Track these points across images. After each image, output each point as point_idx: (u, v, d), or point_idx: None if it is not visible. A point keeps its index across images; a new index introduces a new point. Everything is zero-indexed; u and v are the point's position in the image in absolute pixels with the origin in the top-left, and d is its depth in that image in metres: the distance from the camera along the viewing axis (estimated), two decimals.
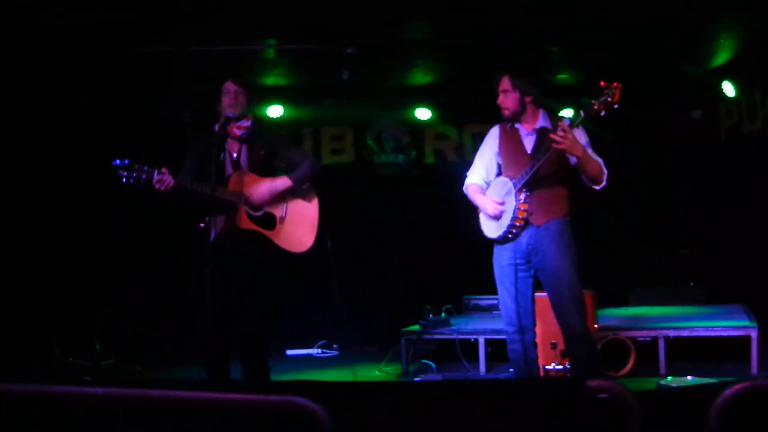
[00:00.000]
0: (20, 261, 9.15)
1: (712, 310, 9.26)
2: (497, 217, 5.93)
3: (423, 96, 10.99)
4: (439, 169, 11.50)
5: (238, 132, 6.23)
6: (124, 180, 5.87)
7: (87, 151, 9.59)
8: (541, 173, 5.75)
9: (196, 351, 6.18)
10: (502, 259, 5.99)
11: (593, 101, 5.38)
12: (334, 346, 10.48)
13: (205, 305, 5.77)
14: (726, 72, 9.90)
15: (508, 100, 5.91)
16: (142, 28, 8.07)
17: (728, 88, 9.92)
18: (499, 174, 6.10)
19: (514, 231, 5.84)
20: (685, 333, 8.02)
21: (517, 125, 6.01)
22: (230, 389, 3.15)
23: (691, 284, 10.39)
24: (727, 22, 8.59)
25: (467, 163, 11.41)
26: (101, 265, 9.77)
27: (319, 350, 10.37)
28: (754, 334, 7.66)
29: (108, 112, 9.82)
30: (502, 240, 5.94)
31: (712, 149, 10.61)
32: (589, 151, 5.75)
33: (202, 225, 5.90)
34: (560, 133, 5.48)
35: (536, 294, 6.02)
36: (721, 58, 9.74)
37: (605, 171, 5.77)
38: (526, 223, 5.82)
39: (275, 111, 10.63)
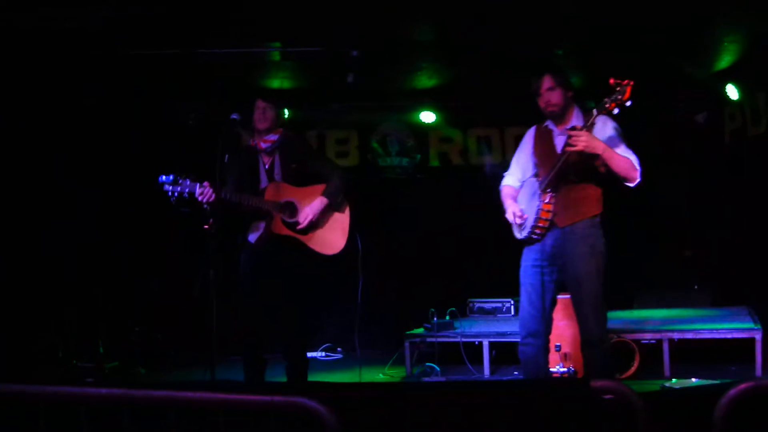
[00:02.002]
0: (24, 263, 9.17)
1: (716, 312, 9.27)
2: (519, 224, 5.91)
3: (428, 99, 10.99)
4: (443, 173, 11.50)
5: (263, 145, 6.72)
6: (170, 194, 6.32)
7: (92, 154, 9.62)
8: (567, 173, 5.71)
9: (201, 353, 6.30)
10: (527, 260, 5.94)
11: (606, 99, 5.34)
12: (338, 349, 10.48)
13: (239, 305, 6.61)
14: (730, 75, 9.90)
15: (554, 96, 5.86)
16: (147, 31, 8.09)
17: (732, 92, 9.92)
18: (535, 175, 6.04)
19: (537, 232, 5.78)
20: (689, 335, 8.03)
21: (551, 126, 6.00)
22: (234, 390, 3.15)
23: (696, 287, 10.38)
24: (731, 26, 8.60)
25: (472, 167, 11.55)
26: (105, 268, 9.78)
27: (324, 353, 10.37)
28: (758, 336, 7.66)
29: (113, 114, 9.83)
30: (528, 241, 5.90)
31: (716, 152, 10.61)
32: (620, 148, 5.69)
33: (206, 227, 6.05)
34: (571, 134, 5.47)
35: (560, 297, 6.00)
36: (725, 61, 9.73)
37: (637, 167, 5.66)
38: (552, 224, 5.76)
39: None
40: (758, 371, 7.55)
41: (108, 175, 9.79)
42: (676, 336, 8.00)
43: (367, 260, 9.81)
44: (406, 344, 8.72)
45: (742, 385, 2.82)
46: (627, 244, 10.45)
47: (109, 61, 8.70)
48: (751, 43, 9.12)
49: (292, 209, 6.64)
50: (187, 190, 6.28)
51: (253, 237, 6.71)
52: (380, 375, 8.73)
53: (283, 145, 6.77)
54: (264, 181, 6.72)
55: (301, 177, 6.78)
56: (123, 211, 9.88)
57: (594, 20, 8.25)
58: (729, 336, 7.91)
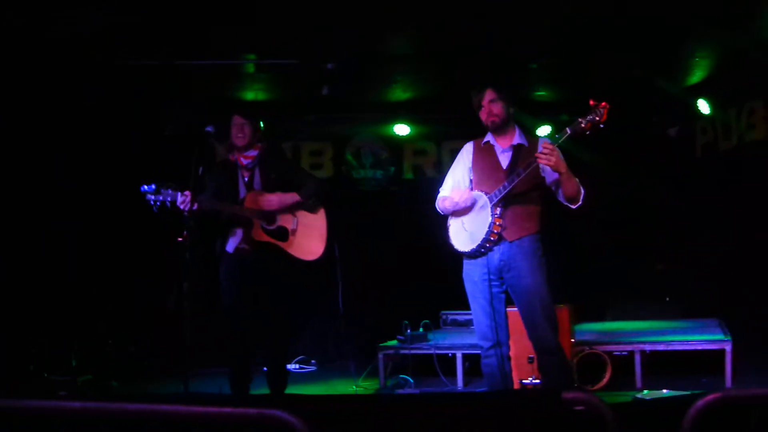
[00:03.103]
0: None
1: (687, 324, 9.31)
2: (468, 208, 5.99)
3: (402, 112, 11.02)
4: (417, 185, 11.52)
5: (244, 161, 6.91)
6: (152, 203, 6.41)
7: (67, 163, 9.57)
8: (517, 190, 5.80)
9: (175, 366, 6.33)
10: (474, 274, 6.02)
11: (580, 119, 5.42)
12: (312, 361, 10.47)
13: (225, 313, 6.75)
14: (701, 90, 9.99)
15: (496, 107, 5.97)
16: (125, 41, 8.08)
17: (703, 106, 10.00)
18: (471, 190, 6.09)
19: (487, 245, 5.87)
20: (661, 347, 8.07)
21: (492, 142, 6.08)
22: (209, 403, 3.16)
23: (668, 299, 10.44)
24: (703, 41, 8.67)
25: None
26: (78, 280, 9.72)
27: (297, 366, 10.35)
28: (728, 347, 7.72)
29: (90, 124, 9.79)
30: (474, 254, 5.97)
31: (688, 166, 10.69)
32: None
33: (180, 239, 6.07)
34: (547, 149, 5.52)
35: (508, 309, 6.06)
36: (697, 76, 9.82)
37: (582, 190, 5.82)
38: (500, 238, 5.85)
39: None
40: (728, 382, 7.61)
41: (81, 186, 9.73)
42: (647, 348, 8.05)
43: (342, 271, 9.86)
44: (380, 356, 8.72)
45: (710, 396, 2.86)
46: (600, 257, 10.56)
47: (86, 71, 8.67)
48: (722, 59, 9.21)
49: (270, 216, 6.77)
50: (169, 198, 6.37)
51: (231, 246, 6.81)
52: (354, 387, 8.72)
53: (262, 159, 6.93)
54: (243, 192, 6.87)
55: (281, 188, 6.90)
56: (96, 223, 9.82)
57: (568, 35, 8.30)
58: (700, 347, 7.97)
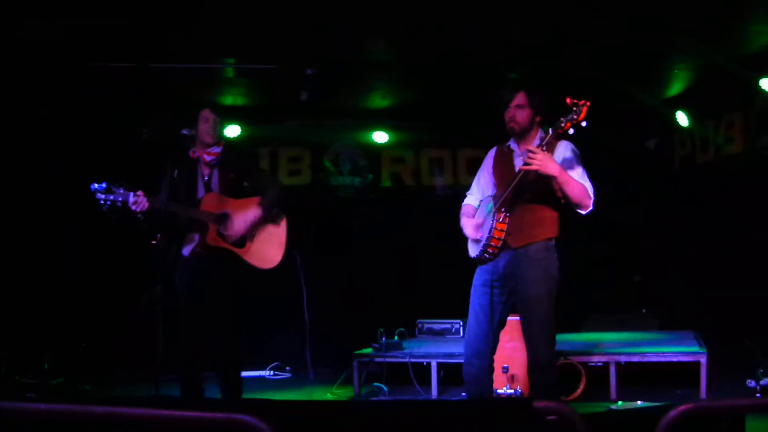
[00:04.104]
0: None
1: (663, 336, 9.34)
2: (476, 240, 5.89)
3: (381, 119, 11.02)
4: (395, 193, 11.52)
5: (208, 158, 6.66)
6: (102, 202, 6.12)
7: (40, 165, 9.51)
8: (523, 194, 5.69)
9: (147, 370, 6.23)
10: (478, 279, 5.90)
11: (561, 118, 5.33)
12: (287, 368, 10.42)
13: (175, 321, 6.33)
14: (679, 102, 10.03)
15: (520, 114, 5.82)
16: (103, 44, 8.04)
17: (682, 118, 10.04)
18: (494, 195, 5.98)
19: (490, 251, 5.74)
20: (636, 358, 8.07)
21: (512, 146, 5.97)
22: (177, 406, 3.12)
23: (644, 311, 10.45)
24: (681, 54, 8.71)
25: (424, 187, 11.59)
26: (51, 283, 9.65)
27: (272, 372, 10.31)
28: (703, 359, 7.72)
29: (68, 126, 9.73)
30: (481, 260, 5.87)
31: (666, 178, 10.73)
32: (576, 172, 5.69)
33: (154, 242, 5.99)
34: (528, 153, 5.47)
35: (510, 318, 5.99)
36: (675, 88, 9.88)
37: (591, 196, 5.64)
38: (505, 244, 5.72)
39: (233, 131, 10.56)
40: (703, 394, 7.61)
41: (56, 188, 9.67)
42: (623, 359, 8.04)
43: (318, 278, 9.81)
44: (355, 364, 8.68)
45: (683, 407, 2.85)
46: (576, 268, 10.56)
47: (64, 73, 8.63)
48: (700, 72, 9.26)
49: (227, 221, 6.55)
50: (120, 198, 6.12)
51: (186, 250, 6.58)
52: (328, 394, 8.70)
53: (224, 158, 6.73)
54: (201, 191, 6.63)
55: (239, 189, 6.74)
56: (69, 224, 9.75)
57: (547, 46, 8.32)
58: (675, 359, 7.97)
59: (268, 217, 6.69)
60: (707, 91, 9.59)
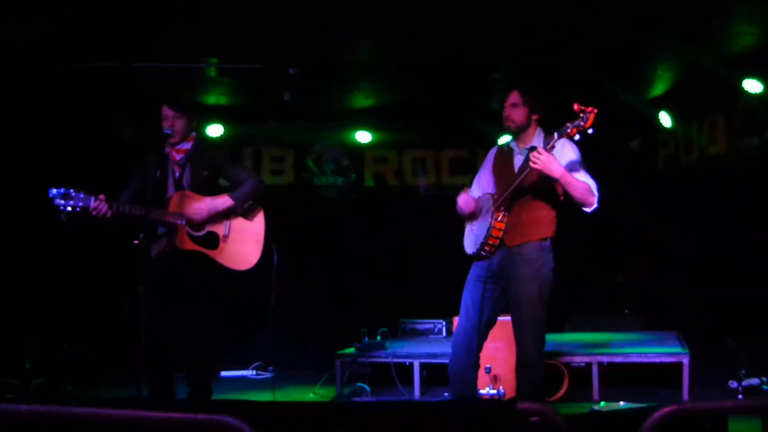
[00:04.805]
0: None
1: (645, 336, 9.35)
2: (478, 211, 5.91)
3: (364, 119, 11.01)
4: (378, 193, 11.52)
5: (177, 156, 6.41)
6: (62, 208, 5.92)
7: (22, 168, 9.44)
8: (522, 193, 5.72)
9: (131, 370, 6.15)
10: (472, 274, 5.94)
11: (568, 124, 5.33)
12: (270, 368, 10.40)
13: (143, 324, 5.93)
14: (663, 103, 10.06)
15: (515, 113, 5.86)
16: (83, 43, 8.00)
17: (665, 119, 10.06)
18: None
19: (487, 249, 5.76)
20: (618, 359, 8.08)
21: (513, 145, 5.99)
22: (158, 407, 3.11)
23: (626, 311, 10.47)
24: (666, 54, 8.73)
25: (407, 187, 11.60)
26: (34, 282, 9.59)
27: (254, 372, 10.28)
28: (685, 360, 7.74)
29: (50, 127, 9.67)
30: (477, 257, 5.87)
31: (649, 178, 10.74)
32: (580, 173, 5.70)
33: (136, 242, 5.90)
34: (534, 153, 5.47)
35: (501, 318, 6.00)
36: (659, 88, 9.90)
37: (595, 194, 5.67)
38: (501, 243, 5.75)
39: (216, 130, 10.55)
40: (685, 395, 7.63)
41: (38, 187, 9.60)
42: (605, 360, 8.05)
43: (301, 278, 9.82)
44: (337, 364, 8.66)
45: (666, 408, 2.85)
46: (559, 268, 10.57)
47: (46, 74, 8.58)
48: (684, 72, 9.28)
49: (198, 221, 6.29)
50: (80, 204, 5.93)
51: (154, 250, 6.31)
52: (311, 395, 8.68)
53: (195, 154, 6.45)
54: (171, 190, 6.36)
55: (213, 186, 6.46)
56: (51, 224, 9.68)
57: (532, 46, 8.33)
58: (657, 360, 7.98)
59: (239, 209, 6.36)
60: (690, 91, 9.61)
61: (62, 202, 5.92)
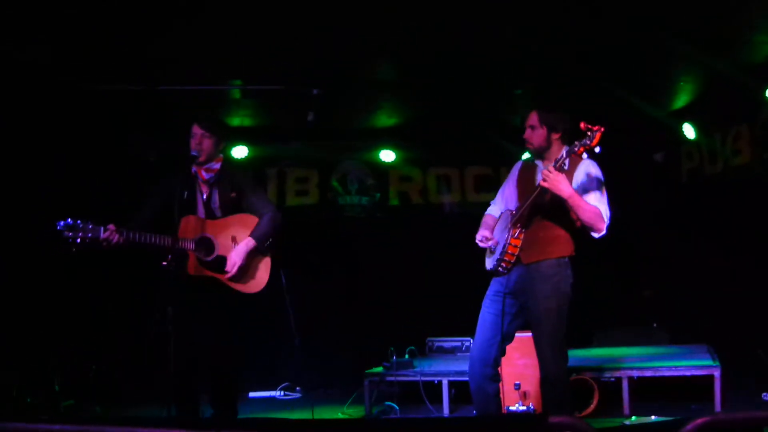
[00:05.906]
0: None
1: (675, 350, 9.29)
2: (491, 249, 5.88)
3: (387, 138, 11.03)
4: (403, 211, 11.52)
5: (206, 176, 6.38)
6: (71, 241, 5.84)
7: (50, 189, 9.48)
8: (539, 211, 5.70)
9: (158, 391, 6.14)
10: (490, 290, 5.92)
11: (576, 142, 5.32)
12: (297, 388, 10.39)
13: (171, 346, 5.84)
14: (686, 114, 10.03)
15: (534, 135, 5.83)
16: (110, 66, 8.06)
17: (689, 131, 10.03)
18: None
19: (503, 266, 5.74)
20: (648, 373, 8.03)
21: (537, 161, 5.97)
22: (187, 425, 3.10)
23: (655, 325, 10.41)
24: (687, 65, 8.71)
25: (431, 206, 11.60)
26: (62, 304, 9.63)
27: (282, 392, 10.28)
28: (716, 373, 7.68)
29: (76, 149, 9.72)
30: (494, 273, 5.87)
31: (673, 191, 10.70)
32: (591, 196, 5.63)
33: (164, 263, 5.87)
34: (544, 171, 5.46)
35: (519, 334, 5.98)
36: (682, 100, 9.88)
37: (605, 220, 5.60)
38: (518, 260, 5.73)
39: (240, 152, 10.60)
40: (717, 408, 7.56)
41: (62, 210, 9.63)
42: (635, 374, 8.00)
43: (328, 298, 9.80)
44: (366, 383, 8.65)
45: (699, 420, 2.82)
46: (586, 283, 10.52)
47: (73, 95, 8.63)
48: (707, 83, 9.25)
49: (208, 246, 6.25)
50: (90, 235, 5.84)
51: (175, 273, 6.15)
52: (339, 414, 8.66)
53: (222, 175, 6.43)
54: (201, 212, 6.34)
55: (239, 208, 6.44)
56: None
57: (553, 61, 8.32)
58: (688, 373, 7.92)
59: (262, 249, 6.35)
60: (713, 102, 9.58)
61: (70, 234, 5.83)
